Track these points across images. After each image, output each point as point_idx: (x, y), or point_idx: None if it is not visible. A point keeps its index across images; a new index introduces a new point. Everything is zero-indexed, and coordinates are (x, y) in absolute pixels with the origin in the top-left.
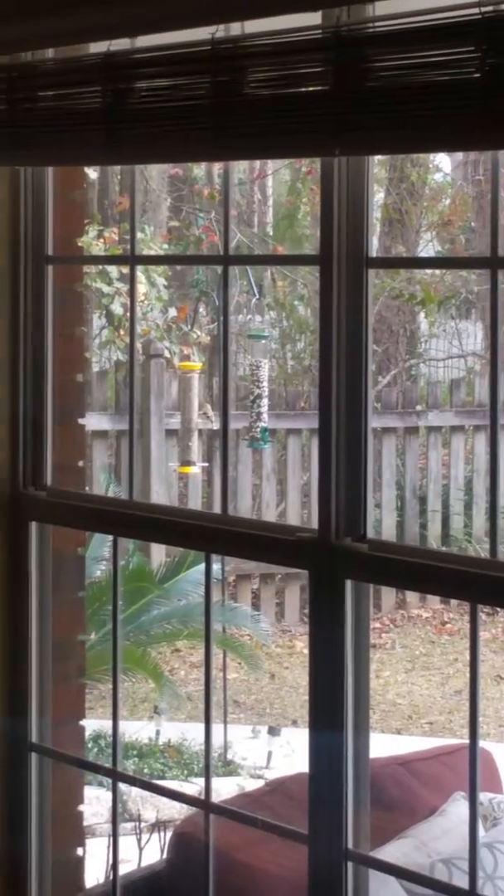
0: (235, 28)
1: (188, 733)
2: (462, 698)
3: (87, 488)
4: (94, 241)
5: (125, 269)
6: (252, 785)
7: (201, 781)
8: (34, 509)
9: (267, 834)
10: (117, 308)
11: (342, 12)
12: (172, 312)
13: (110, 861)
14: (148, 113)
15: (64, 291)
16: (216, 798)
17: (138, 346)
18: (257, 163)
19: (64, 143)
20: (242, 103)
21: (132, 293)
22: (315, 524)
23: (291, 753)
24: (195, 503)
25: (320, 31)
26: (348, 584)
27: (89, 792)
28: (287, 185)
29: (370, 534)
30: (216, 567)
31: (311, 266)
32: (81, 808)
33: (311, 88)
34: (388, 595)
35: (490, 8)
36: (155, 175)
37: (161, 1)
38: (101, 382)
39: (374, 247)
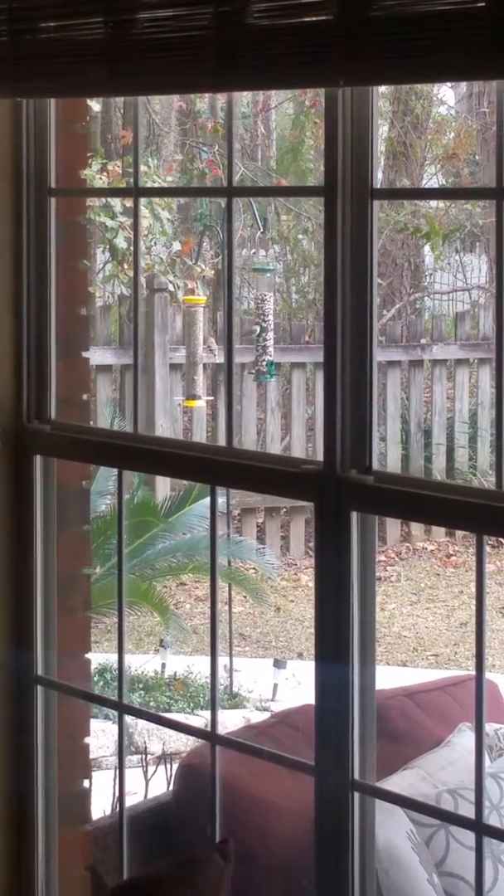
0: None
1: (194, 666)
2: (467, 630)
3: (91, 422)
4: (97, 174)
5: (129, 203)
6: (258, 717)
7: (207, 714)
8: (38, 443)
9: (273, 766)
10: (121, 242)
11: None
12: (176, 246)
13: (117, 793)
14: (150, 44)
15: (67, 224)
16: (222, 730)
17: (142, 280)
18: (261, 96)
19: (66, 74)
20: (245, 34)
21: (136, 226)
22: (320, 458)
23: (297, 686)
24: (200, 437)
25: None
26: (354, 515)
27: (95, 725)
28: (291, 119)
29: (375, 467)
30: (221, 500)
31: (316, 199)
32: (87, 740)
33: (314, 18)
34: (393, 528)
35: None
36: (159, 108)
37: None
38: (105, 317)
39: (379, 179)
